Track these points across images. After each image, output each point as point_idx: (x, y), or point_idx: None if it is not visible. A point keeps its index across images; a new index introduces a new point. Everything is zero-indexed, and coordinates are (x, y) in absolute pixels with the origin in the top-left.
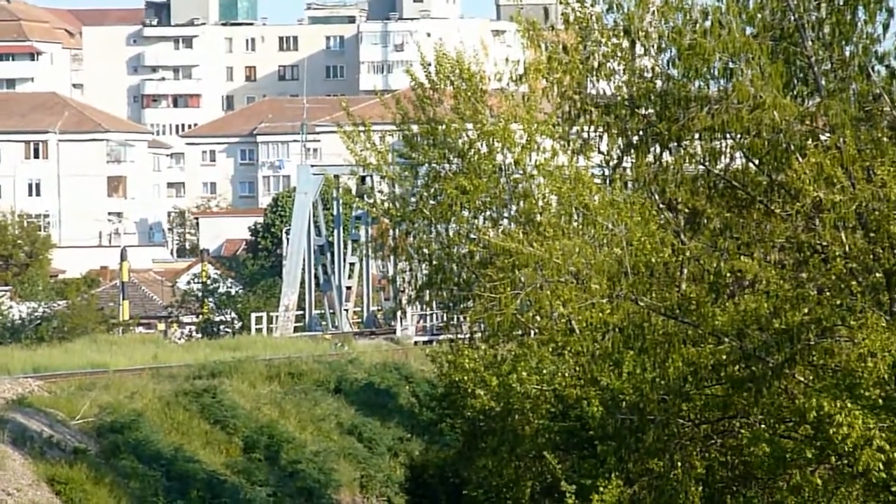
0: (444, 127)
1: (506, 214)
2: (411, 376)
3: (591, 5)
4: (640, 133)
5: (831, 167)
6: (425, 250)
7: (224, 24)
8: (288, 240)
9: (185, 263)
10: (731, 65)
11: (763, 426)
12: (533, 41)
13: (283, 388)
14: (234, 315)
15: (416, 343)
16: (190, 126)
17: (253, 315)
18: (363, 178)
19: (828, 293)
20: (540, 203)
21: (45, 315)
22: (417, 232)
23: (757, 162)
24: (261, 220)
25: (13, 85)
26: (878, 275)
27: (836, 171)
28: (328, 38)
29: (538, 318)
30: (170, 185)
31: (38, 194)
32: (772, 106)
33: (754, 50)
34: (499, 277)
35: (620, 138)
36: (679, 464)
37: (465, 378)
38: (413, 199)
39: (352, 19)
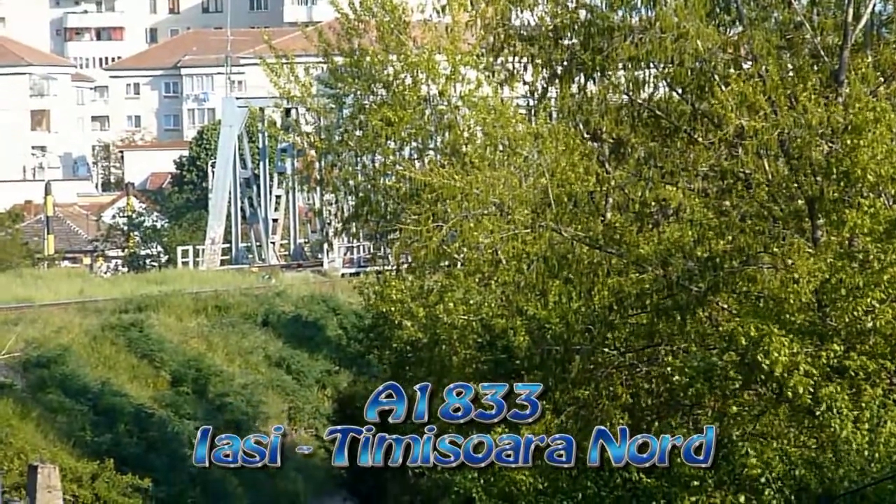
0: (368, 58)
1: (431, 146)
2: (339, 308)
3: None
4: (564, 63)
5: (754, 95)
6: (351, 182)
7: None
8: (214, 173)
9: (111, 197)
10: None
11: (690, 352)
12: None
13: (210, 321)
14: (160, 248)
15: (343, 275)
16: (113, 59)
17: (179, 248)
18: (288, 111)
19: (751, 220)
20: (465, 134)
21: None
22: (343, 164)
23: (680, 91)
24: (186, 153)
25: None
26: (800, 201)
27: (759, 98)
28: None
29: (464, 249)
30: (94, 118)
31: None
32: (695, 35)
33: None
34: (423, 210)
35: (545, 69)
36: (604, 392)
37: (393, 309)
38: (338, 131)
39: None
